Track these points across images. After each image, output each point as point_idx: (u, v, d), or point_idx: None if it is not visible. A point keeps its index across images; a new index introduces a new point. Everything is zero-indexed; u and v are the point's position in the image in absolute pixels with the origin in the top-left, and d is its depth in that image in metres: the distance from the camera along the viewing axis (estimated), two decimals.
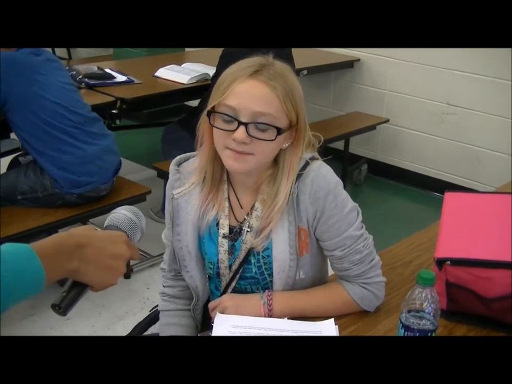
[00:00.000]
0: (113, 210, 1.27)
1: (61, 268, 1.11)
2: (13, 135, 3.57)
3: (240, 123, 1.55)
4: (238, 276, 1.75)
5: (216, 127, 1.59)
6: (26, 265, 1.04)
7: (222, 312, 1.69)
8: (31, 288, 1.05)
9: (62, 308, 1.16)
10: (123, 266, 1.20)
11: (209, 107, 1.61)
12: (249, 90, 1.56)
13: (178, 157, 1.79)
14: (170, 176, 1.78)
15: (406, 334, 1.41)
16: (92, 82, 3.90)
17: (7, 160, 3.65)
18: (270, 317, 1.68)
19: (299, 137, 1.65)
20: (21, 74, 2.99)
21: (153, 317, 2.02)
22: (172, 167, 1.78)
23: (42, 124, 3.07)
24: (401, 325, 1.43)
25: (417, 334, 1.40)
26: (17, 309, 3.32)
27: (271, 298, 1.70)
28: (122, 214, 1.25)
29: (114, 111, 3.72)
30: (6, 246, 1.04)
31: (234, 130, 1.56)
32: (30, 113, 3.04)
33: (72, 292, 1.18)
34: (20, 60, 2.98)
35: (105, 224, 1.25)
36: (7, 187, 3.26)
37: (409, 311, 1.41)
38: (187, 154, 1.78)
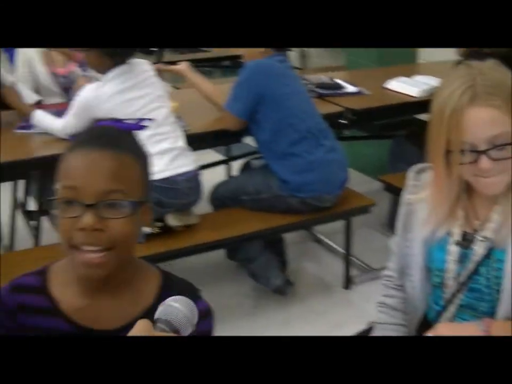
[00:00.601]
0: (166, 302, 1.15)
1: None
2: (244, 140, 3.73)
3: (479, 152, 1.51)
4: (465, 287, 1.68)
5: (460, 163, 1.56)
6: None
7: None
8: None
9: None
10: None
11: (434, 134, 1.59)
12: (477, 120, 1.50)
13: (419, 165, 1.79)
14: (408, 182, 1.80)
15: None
16: (322, 91, 3.97)
17: (237, 164, 3.79)
18: None
19: None
20: (273, 77, 3.29)
21: (368, 331, 1.98)
22: (412, 174, 1.79)
23: (284, 125, 3.26)
24: None
25: None
26: (241, 306, 3.46)
27: (490, 326, 1.61)
28: (176, 308, 1.14)
29: (343, 121, 3.75)
30: None
31: (475, 160, 1.52)
32: (276, 113, 3.25)
33: None
34: (271, 65, 3.31)
35: (156, 315, 1.14)
36: (235, 188, 3.45)
37: None
38: (427, 164, 1.75)
